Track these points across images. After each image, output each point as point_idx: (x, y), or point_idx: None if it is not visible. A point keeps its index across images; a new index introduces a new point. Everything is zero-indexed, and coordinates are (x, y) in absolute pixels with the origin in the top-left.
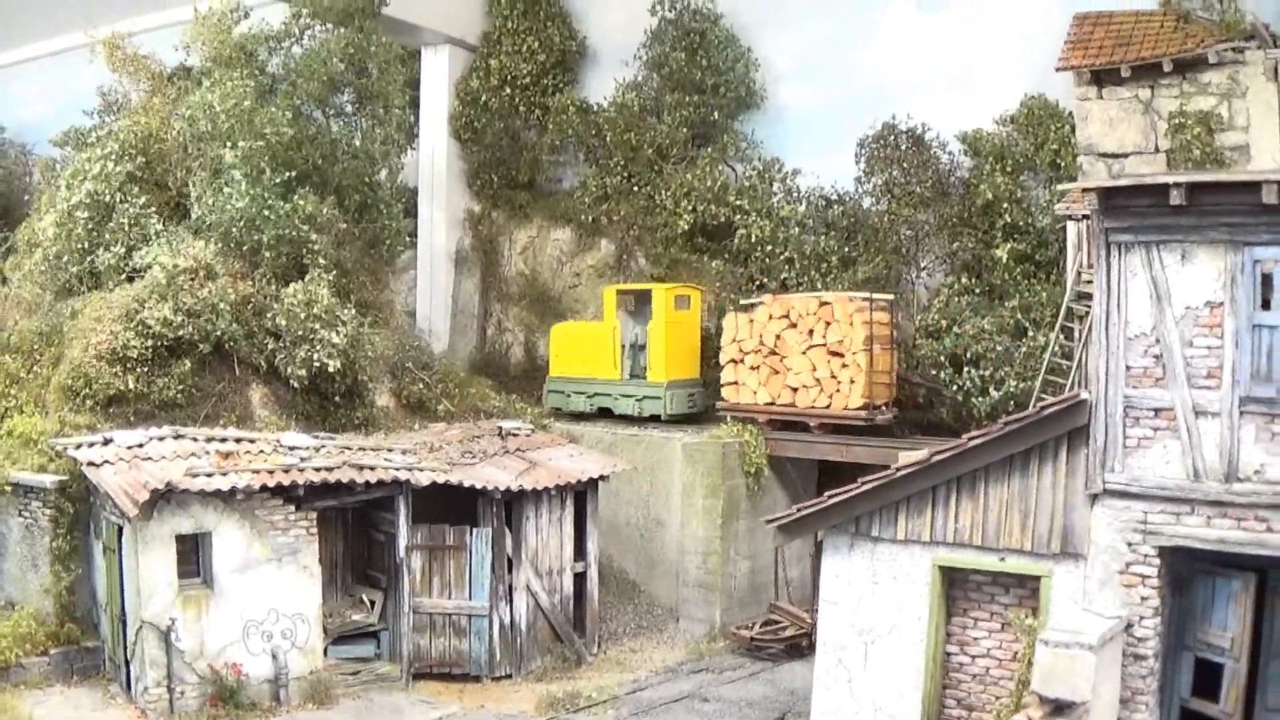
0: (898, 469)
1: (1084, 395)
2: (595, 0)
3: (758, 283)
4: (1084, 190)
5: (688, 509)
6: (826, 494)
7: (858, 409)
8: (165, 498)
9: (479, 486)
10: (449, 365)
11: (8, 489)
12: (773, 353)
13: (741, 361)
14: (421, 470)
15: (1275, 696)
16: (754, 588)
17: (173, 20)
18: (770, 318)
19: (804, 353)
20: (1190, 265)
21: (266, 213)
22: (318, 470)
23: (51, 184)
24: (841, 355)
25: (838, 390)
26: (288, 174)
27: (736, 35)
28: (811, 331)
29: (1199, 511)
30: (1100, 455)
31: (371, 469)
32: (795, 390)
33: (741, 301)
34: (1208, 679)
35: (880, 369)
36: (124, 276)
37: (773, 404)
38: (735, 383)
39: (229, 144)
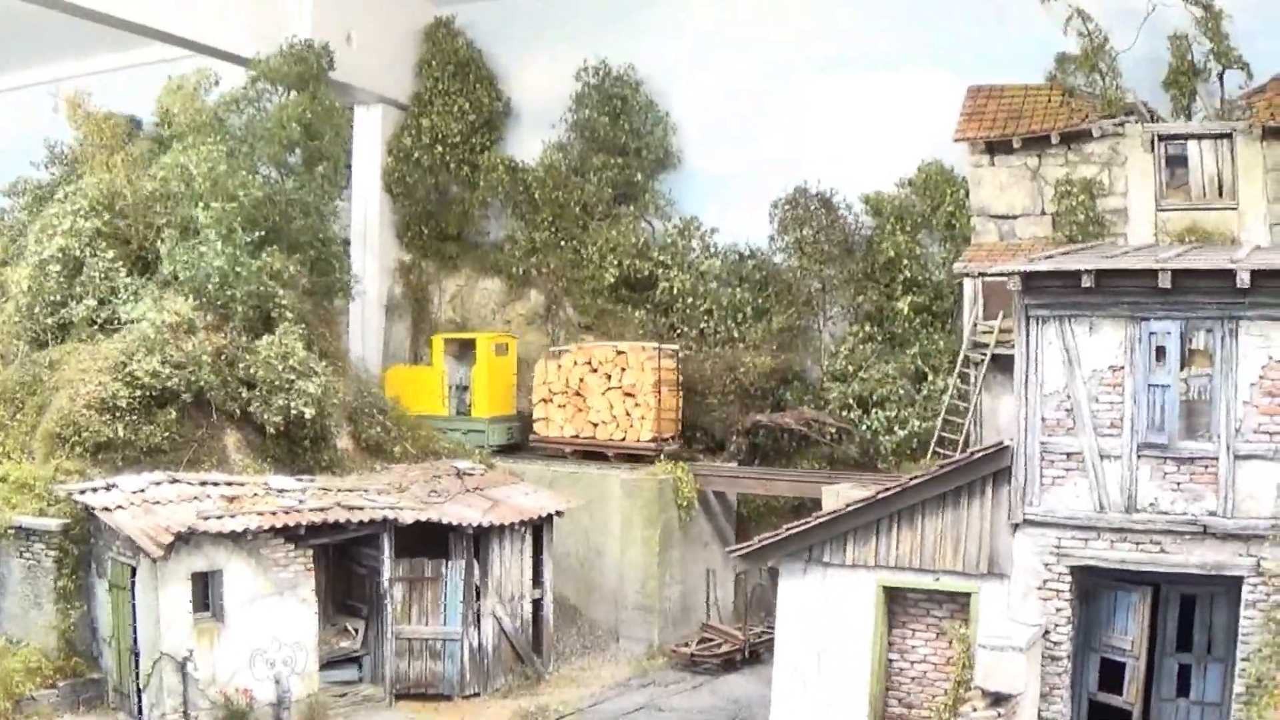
0: (847, 505)
1: (1007, 442)
2: (521, 64)
3: (678, 331)
4: (1008, 273)
5: (626, 539)
6: (784, 526)
7: (648, 441)
8: (184, 539)
9: (454, 523)
10: (401, 409)
11: (10, 532)
12: (577, 394)
13: (551, 400)
14: (404, 509)
15: (1168, 688)
16: (685, 609)
17: (118, 65)
18: (575, 364)
19: (603, 394)
20: (1097, 335)
21: (239, 270)
22: (315, 511)
23: (2, 234)
24: (634, 396)
25: (631, 426)
26: (256, 233)
27: (655, 100)
28: (609, 376)
29: (1104, 537)
30: (1021, 491)
31: (361, 509)
32: (596, 425)
33: (551, 349)
34: (1112, 675)
35: (667, 408)
36: (96, 327)
37: (577, 437)
38: (545, 419)
39: (202, 204)
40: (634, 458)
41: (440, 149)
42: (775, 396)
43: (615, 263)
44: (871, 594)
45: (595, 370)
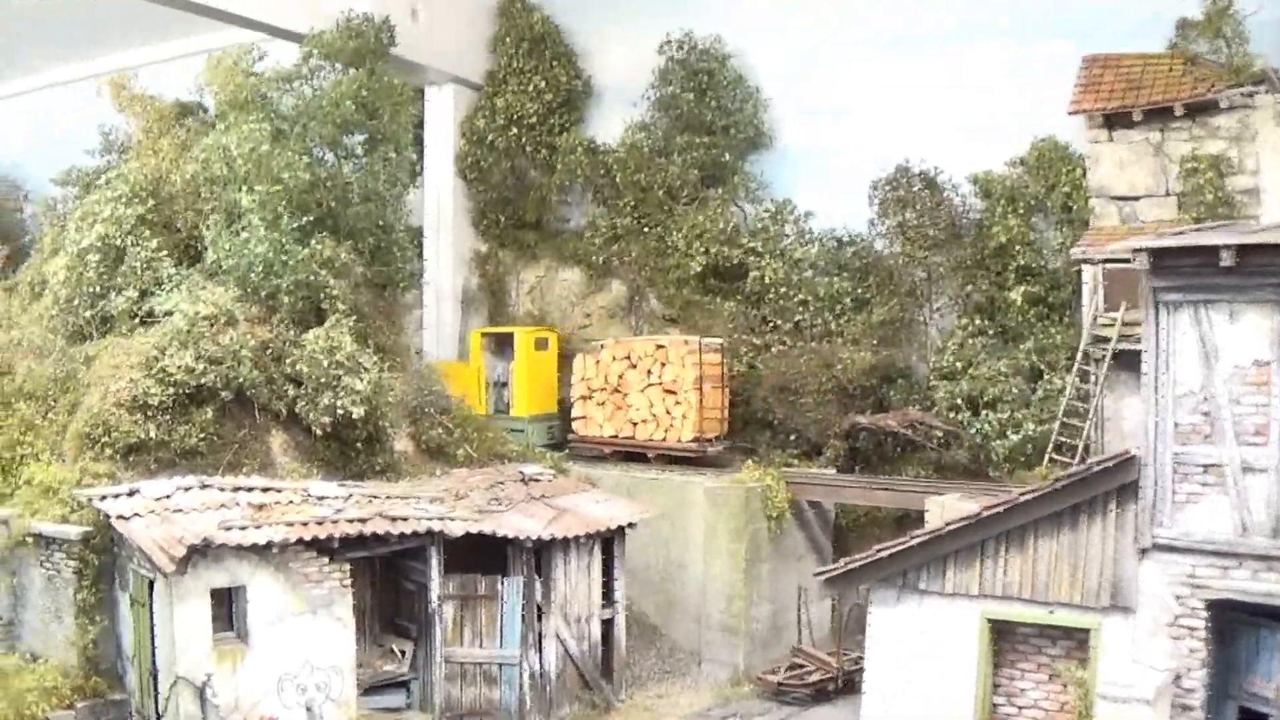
0: (947, 524)
1: (1133, 451)
2: (600, 39)
3: (771, 324)
4: (1134, 250)
5: (710, 552)
6: (875, 548)
7: (689, 441)
8: (201, 552)
9: (510, 535)
10: (466, 409)
11: (29, 540)
12: (616, 390)
13: (590, 398)
14: (453, 520)
15: None
16: (775, 629)
17: (175, 54)
18: (614, 359)
19: (643, 391)
20: (1239, 324)
21: (285, 258)
22: (351, 522)
23: (54, 225)
24: (675, 393)
25: (672, 425)
26: (305, 218)
27: (743, 75)
28: (649, 372)
29: (1246, 565)
30: (1150, 510)
31: (404, 520)
32: (635, 424)
33: (592, 344)
34: None
35: (711, 406)
36: (137, 321)
37: (616, 437)
38: (584, 417)
39: (245, 188)
40: (676, 460)
41: (516, 131)
42: (877, 396)
43: (702, 250)
44: (974, 627)
45: (635, 366)
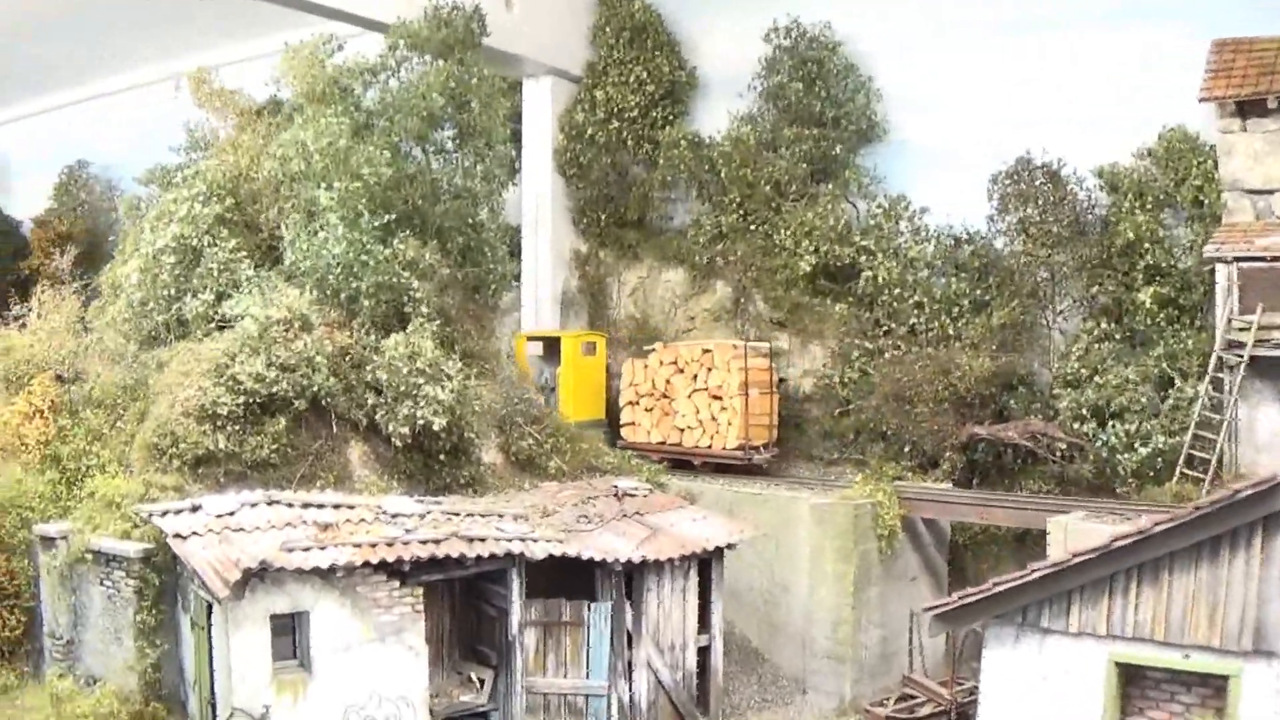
0: (1073, 556)
1: None
2: (704, 28)
3: (884, 328)
4: None
5: (816, 574)
6: (991, 581)
7: (735, 449)
8: (259, 575)
9: (598, 558)
10: (560, 419)
11: (88, 557)
12: (664, 396)
13: (637, 404)
14: (535, 541)
15: None
16: (885, 657)
17: (261, 52)
18: (661, 364)
19: (689, 396)
20: None
21: (365, 258)
22: (424, 543)
23: (136, 224)
24: (721, 399)
25: (717, 431)
26: (387, 216)
27: (855, 64)
28: (696, 377)
29: None
30: None
31: (482, 540)
32: (682, 431)
33: (643, 348)
34: None
35: (758, 412)
36: (213, 325)
37: (663, 443)
38: (632, 423)
39: (323, 185)
40: (722, 468)
41: (617, 124)
42: (996, 405)
43: (812, 249)
44: (1100, 671)
45: (682, 371)
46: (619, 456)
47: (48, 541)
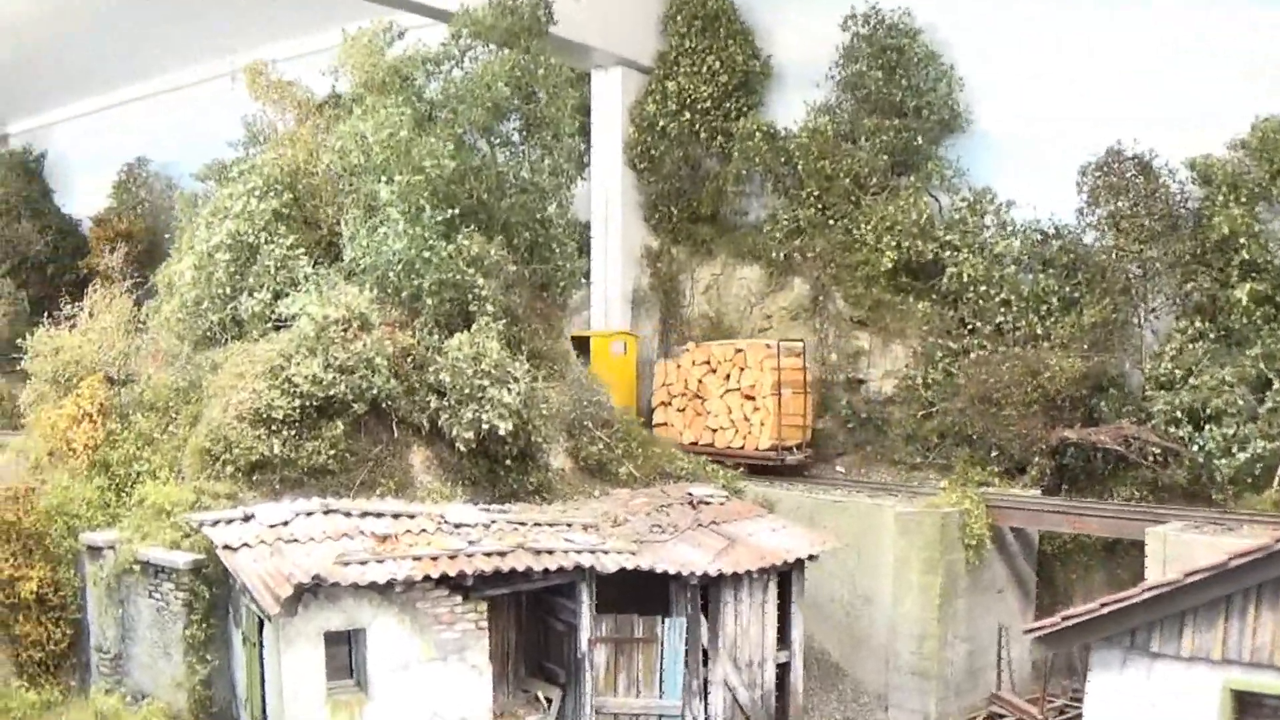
0: (1186, 575)
1: None
2: (778, 16)
3: (969, 326)
4: None
5: (900, 585)
6: (1099, 601)
7: (767, 449)
8: (312, 590)
9: (672, 571)
10: (630, 422)
11: (136, 568)
12: (696, 396)
13: (669, 404)
14: (606, 553)
15: None
16: (971, 673)
17: (319, 46)
18: (694, 363)
19: (721, 396)
20: None
21: (427, 255)
22: (488, 556)
23: (192, 221)
24: (754, 399)
25: (749, 431)
26: (450, 211)
27: (936, 52)
28: (728, 376)
29: None
30: None
31: (549, 552)
32: (714, 431)
33: (675, 348)
34: None
35: (791, 412)
36: (270, 325)
37: (696, 444)
38: (664, 423)
39: (384, 178)
40: (755, 469)
41: (689, 116)
42: (1086, 407)
43: (893, 244)
44: (1215, 699)
45: (714, 370)
46: (694, 462)
47: (95, 551)
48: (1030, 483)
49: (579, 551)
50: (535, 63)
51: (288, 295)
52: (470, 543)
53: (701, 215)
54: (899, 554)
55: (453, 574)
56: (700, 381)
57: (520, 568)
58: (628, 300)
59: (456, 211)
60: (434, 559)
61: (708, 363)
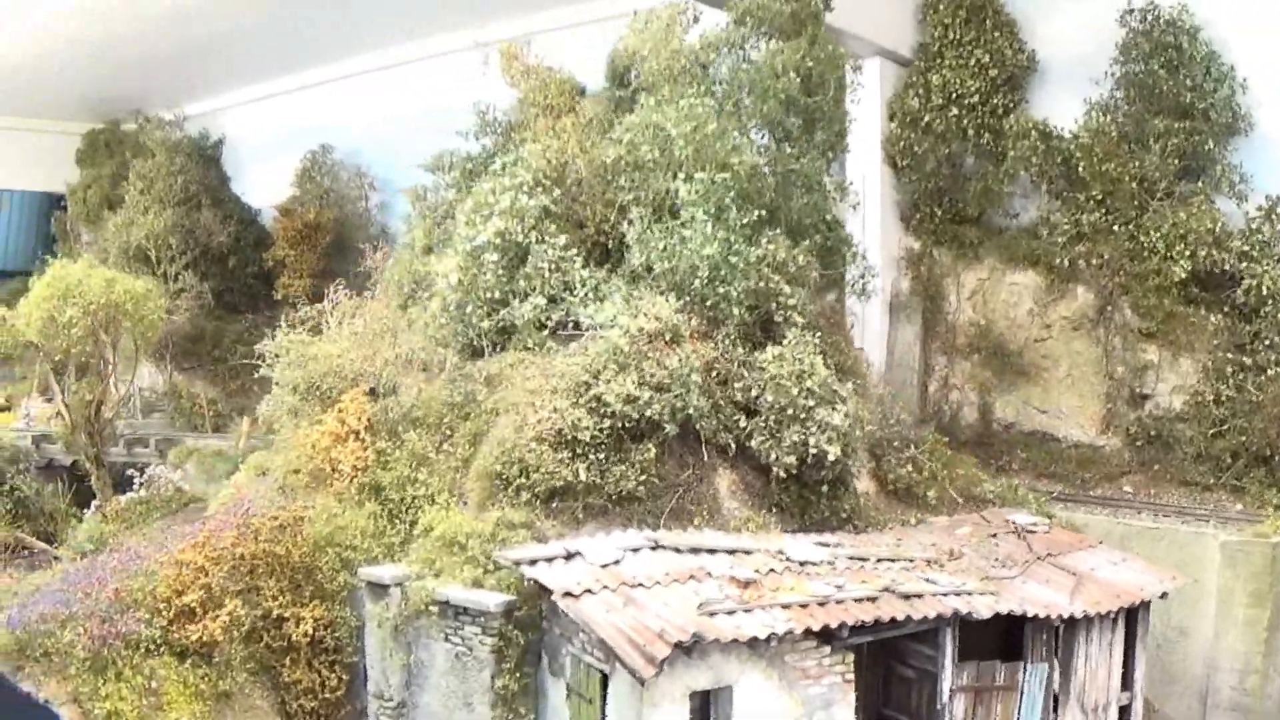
0: None
1: None
2: (1043, 8)
3: (1266, 341)
4: None
5: (1223, 618)
6: None
7: None
8: (685, 649)
9: (1037, 614)
10: (935, 441)
11: (433, 609)
12: None
13: None
14: (972, 595)
15: None
16: None
17: (548, 25)
18: None
19: None
20: None
21: (734, 259)
22: (858, 602)
23: (425, 217)
24: None
25: None
26: (756, 212)
27: (1217, 51)
28: None
29: None
30: None
31: (919, 597)
32: None
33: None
34: None
35: None
36: (545, 333)
37: None
38: None
39: (684, 175)
40: None
41: (955, 111)
42: None
43: (1186, 253)
44: None
45: None
46: (1001, 485)
47: (378, 589)
48: None
49: (945, 594)
50: (823, 52)
51: (561, 300)
52: (838, 588)
53: (966, 216)
54: (1223, 585)
55: (834, 625)
56: None
57: (899, 616)
58: (886, 304)
59: (761, 213)
60: (803, 606)
61: None
